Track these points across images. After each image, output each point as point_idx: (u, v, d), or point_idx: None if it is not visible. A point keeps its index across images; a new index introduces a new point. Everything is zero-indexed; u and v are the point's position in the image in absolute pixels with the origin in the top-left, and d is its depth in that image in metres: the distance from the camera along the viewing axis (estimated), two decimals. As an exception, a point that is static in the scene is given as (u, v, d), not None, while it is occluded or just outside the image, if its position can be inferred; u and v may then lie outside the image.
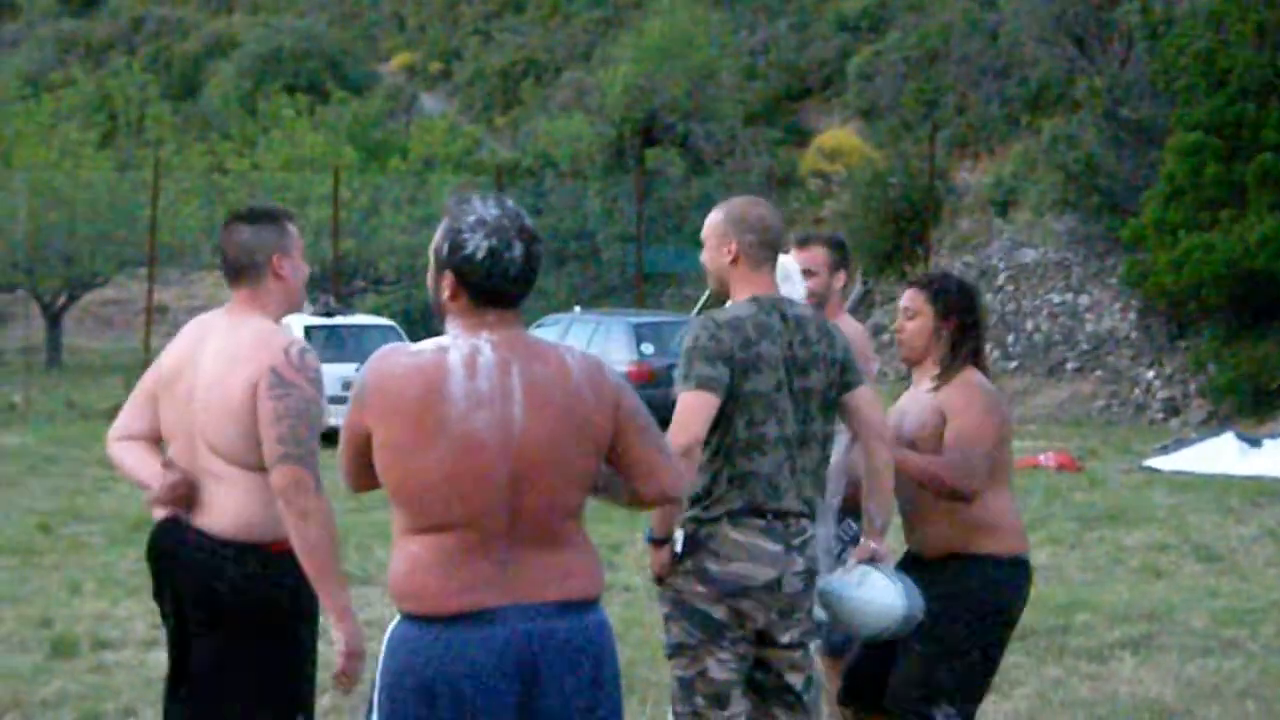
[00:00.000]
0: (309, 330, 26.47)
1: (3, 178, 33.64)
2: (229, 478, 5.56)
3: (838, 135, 41.09)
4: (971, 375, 6.73)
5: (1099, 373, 29.99)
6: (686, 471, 5.50)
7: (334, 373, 25.33)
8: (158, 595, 5.74)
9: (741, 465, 5.75)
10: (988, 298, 32.63)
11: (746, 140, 42.30)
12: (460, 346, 4.47)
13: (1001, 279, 32.74)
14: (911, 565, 6.66)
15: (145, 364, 22.98)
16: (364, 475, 4.54)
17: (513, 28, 63.37)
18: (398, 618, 4.49)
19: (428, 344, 4.54)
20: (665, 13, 47.05)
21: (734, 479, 5.75)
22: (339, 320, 27.61)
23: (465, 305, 4.52)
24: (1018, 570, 6.78)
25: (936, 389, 6.68)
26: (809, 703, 6.11)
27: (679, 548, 5.85)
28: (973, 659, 6.64)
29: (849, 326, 7.60)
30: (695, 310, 33.21)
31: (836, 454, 6.62)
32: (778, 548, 5.82)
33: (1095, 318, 30.75)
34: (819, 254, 7.64)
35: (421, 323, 28.54)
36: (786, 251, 6.82)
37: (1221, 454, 21.91)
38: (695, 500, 5.76)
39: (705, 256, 6.19)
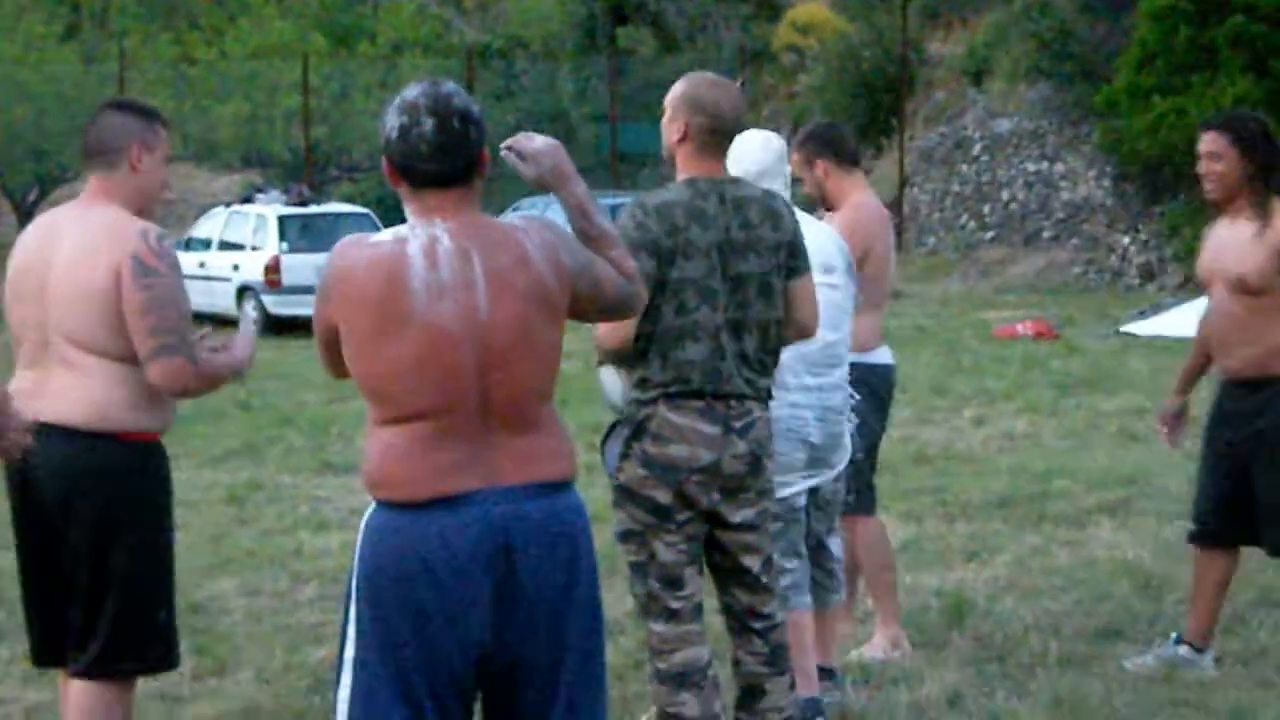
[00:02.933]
0: (283, 220, 26.36)
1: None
2: (84, 367, 5.49)
3: (810, 9, 40.79)
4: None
5: (1075, 241, 29.98)
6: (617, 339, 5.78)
7: (310, 262, 25.35)
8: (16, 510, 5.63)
9: (675, 353, 5.69)
10: (963, 169, 32.59)
11: (719, 16, 42.01)
12: (419, 236, 4.45)
13: (976, 149, 32.67)
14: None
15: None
16: (339, 365, 4.55)
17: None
18: (373, 506, 4.47)
19: (387, 234, 4.54)
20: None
21: (668, 365, 5.69)
22: (313, 210, 27.52)
23: (407, 190, 4.52)
24: None
25: (1264, 228, 6.89)
26: (769, 584, 6.09)
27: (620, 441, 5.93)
28: None
29: (869, 203, 7.83)
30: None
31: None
32: (715, 430, 5.78)
33: (1070, 185, 30.68)
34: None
35: (397, 210, 28.33)
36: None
37: (1197, 318, 21.97)
38: (637, 385, 5.80)
39: (663, 130, 6.10)
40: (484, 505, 4.40)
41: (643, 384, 5.84)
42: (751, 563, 6.01)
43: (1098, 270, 29.13)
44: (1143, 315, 23.07)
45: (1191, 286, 26.08)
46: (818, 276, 6.35)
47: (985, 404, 15.88)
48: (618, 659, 6.05)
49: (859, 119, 34.45)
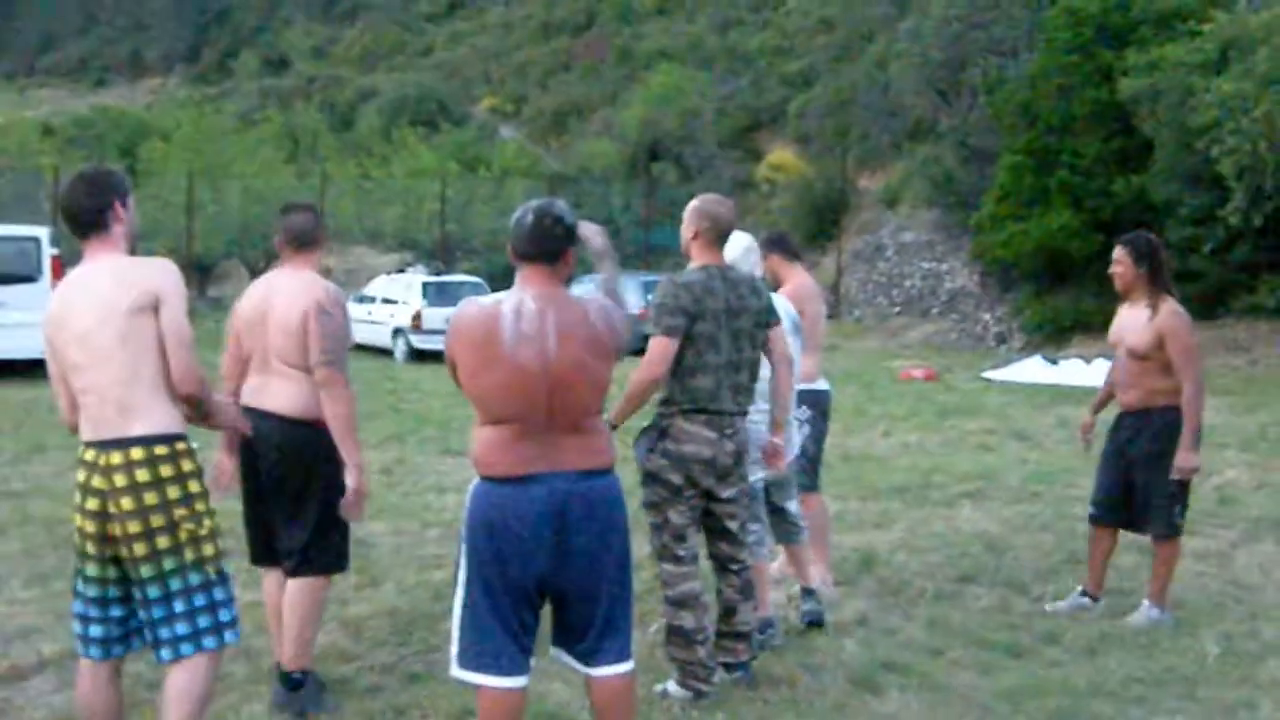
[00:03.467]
0: (425, 285, 26.44)
1: (224, 184, 33.51)
2: (291, 377, 5.66)
3: (780, 154, 40.91)
4: (1173, 305, 7.10)
5: (953, 315, 29.99)
6: (647, 387, 5.92)
7: (442, 314, 25.45)
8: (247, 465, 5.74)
9: (690, 381, 5.87)
10: (879, 265, 32.56)
11: (720, 156, 42.24)
12: (512, 299, 4.63)
13: (889, 252, 32.71)
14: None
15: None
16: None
17: (563, 80, 63.08)
18: (476, 479, 4.66)
19: (492, 297, 4.73)
20: (665, 72, 47.20)
21: (686, 390, 5.87)
22: (445, 278, 27.68)
23: (515, 264, 4.78)
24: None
25: (1153, 315, 7.08)
26: (743, 539, 6.21)
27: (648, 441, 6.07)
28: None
29: (806, 282, 7.86)
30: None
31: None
32: (714, 435, 5.95)
33: (951, 278, 30.76)
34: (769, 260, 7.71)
35: (501, 278, 28.54)
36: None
37: (1032, 370, 21.97)
38: (663, 403, 5.92)
39: (681, 232, 6.22)
40: (549, 483, 4.61)
41: (666, 402, 5.99)
42: (733, 525, 6.15)
43: (967, 336, 29.13)
44: (996, 367, 23.03)
45: (1029, 347, 26.14)
46: None
47: (890, 423, 15.84)
48: (639, 587, 6.01)
49: (811, 229, 34.55)
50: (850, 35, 50.69)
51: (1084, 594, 7.65)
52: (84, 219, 4.74)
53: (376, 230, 37.45)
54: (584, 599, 4.71)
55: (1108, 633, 7.14)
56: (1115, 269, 7.34)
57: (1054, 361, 22.50)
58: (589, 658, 4.78)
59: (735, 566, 6.20)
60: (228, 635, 4.76)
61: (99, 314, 4.57)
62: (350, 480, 5.58)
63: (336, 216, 35.30)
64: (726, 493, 6.08)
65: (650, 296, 27.14)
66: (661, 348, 5.79)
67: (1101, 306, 26.39)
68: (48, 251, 19.64)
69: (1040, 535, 9.65)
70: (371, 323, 26.57)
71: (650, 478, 6.02)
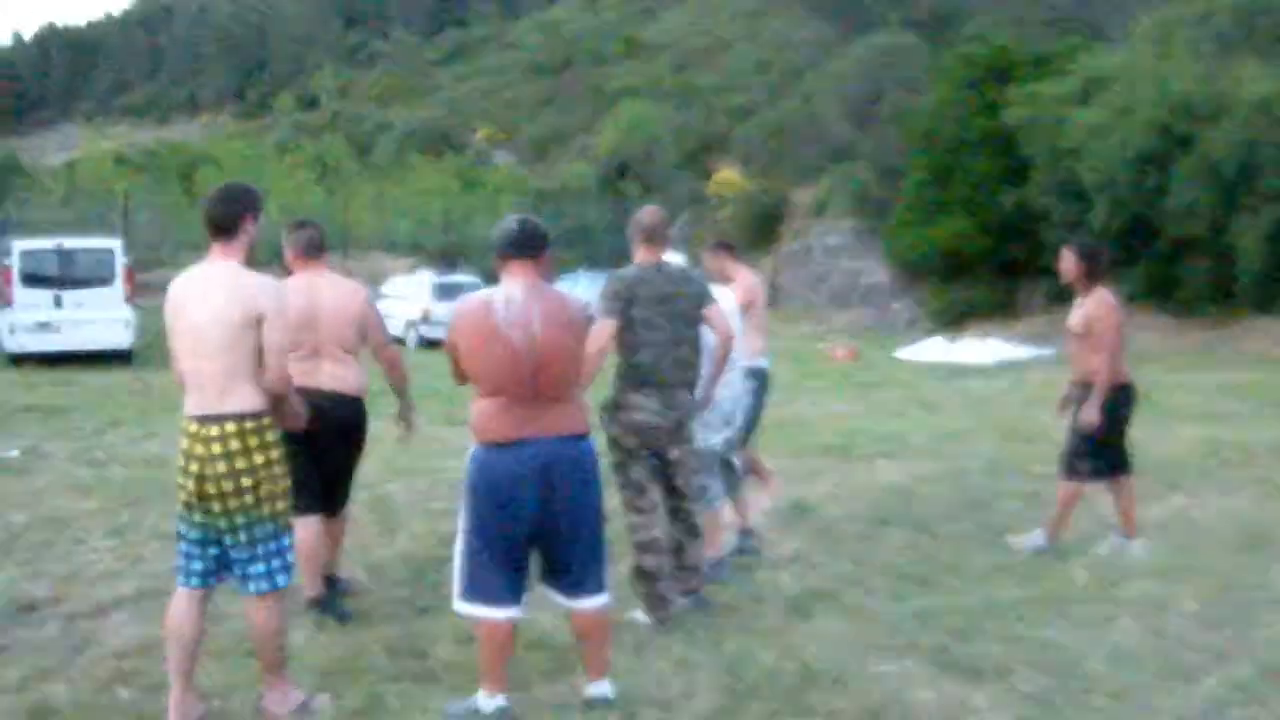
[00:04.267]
0: (434, 284, 26.37)
1: (266, 203, 33.32)
2: (345, 360, 6.10)
3: (726, 173, 40.84)
4: (1101, 292, 7.09)
5: (869, 305, 30.09)
6: (595, 359, 5.69)
7: (447, 308, 25.30)
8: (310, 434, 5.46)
9: (636, 358, 5.83)
10: (809, 264, 32.53)
11: (676, 174, 42.22)
12: (501, 291, 4.70)
13: (817, 253, 32.69)
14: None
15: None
16: (458, 368, 4.77)
17: (546, 113, 62.98)
18: (474, 444, 4.67)
19: (484, 291, 4.80)
20: (631, 106, 47.16)
21: (633, 366, 5.83)
22: (450, 279, 27.56)
23: (503, 266, 4.80)
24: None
25: (1084, 302, 7.10)
26: (689, 492, 6.18)
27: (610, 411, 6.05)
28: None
29: (749, 276, 7.79)
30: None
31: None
32: (657, 405, 5.91)
33: (868, 275, 30.80)
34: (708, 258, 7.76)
35: (495, 279, 28.39)
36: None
37: (934, 349, 22.00)
38: (618, 379, 5.92)
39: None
40: (538, 446, 4.62)
41: (620, 378, 5.97)
42: (679, 480, 6.12)
43: (881, 322, 29.24)
44: (904, 347, 23.05)
45: (933, 331, 26.16)
46: None
47: (818, 394, 15.84)
48: (610, 534, 5.98)
49: (753, 235, 34.44)
50: (784, 74, 50.82)
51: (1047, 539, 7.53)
52: (219, 223, 4.75)
53: (391, 238, 37.23)
54: (567, 542, 4.74)
55: (999, 564, 7.15)
56: (1062, 265, 7.31)
57: (952, 342, 22.54)
58: (572, 591, 4.81)
59: (682, 514, 6.19)
60: (293, 574, 4.94)
61: (211, 318, 4.62)
62: (414, 419, 6.63)
63: (358, 227, 35.11)
64: (672, 454, 6.04)
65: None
66: (600, 327, 5.74)
67: (990, 297, 26.61)
68: (120, 260, 19.68)
69: (940, 485, 9.62)
70: (387, 316, 26.33)
71: (613, 442, 6.00)
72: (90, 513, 8.59)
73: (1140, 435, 7.80)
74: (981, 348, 21.52)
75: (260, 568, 4.74)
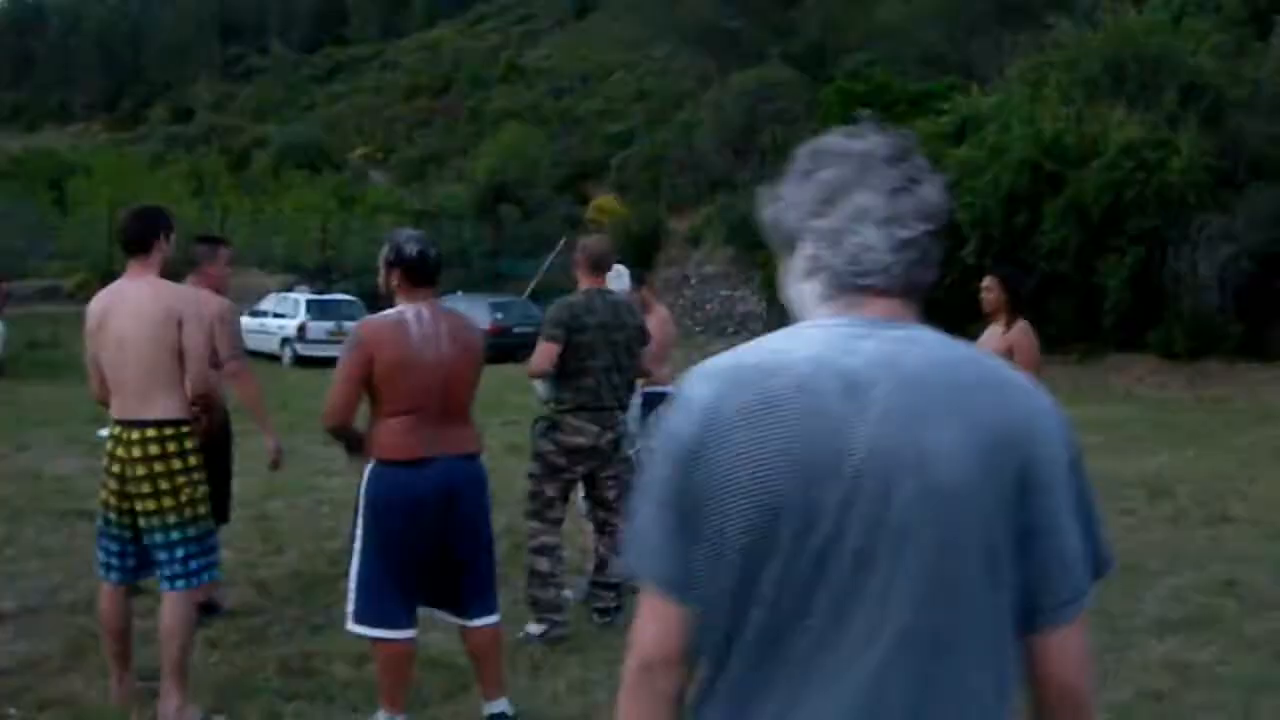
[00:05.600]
0: (309, 301, 26.01)
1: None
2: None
3: (604, 200, 40.95)
4: (1024, 324, 6.90)
5: (744, 334, 30.18)
6: (539, 376, 6.05)
7: (322, 325, 25.13)
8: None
9: (576, 382, 5.97)
10: (685, 292, 32.72)
11: (555, 199, 42.28)
12: (410, 311, 4.60)
13: (694, 281, 32.91)
14: None
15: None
16: (354, 394, 4.57)
17: (424, 134, 62.65)
18: (373, 463, 4.57)
19: (392, 312, 4.66)
20: (510, 130, 47.05)
21: (573, 390, 5.96)
22: (325, 296, 27.27)
23: (405, 289, 4.68)
24: None
25: (1006, 331, 6.79)
26: (619, 508, 6.26)
27: (541, 428, 6.10)
28: None
29: (661, 309, 8.02)
30: (525, 294, 33.19)
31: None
32: (596, 428, 6.08)
33: (743, 303, 31.07)
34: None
35: (371, 299, 28.13)
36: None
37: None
38: (556, 401, 6.00)
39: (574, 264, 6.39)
40: (440, 465, 4.57)
41: (558, 400, 6.11)
42: (610, 495, 6.34)
43: (757, 350, 29.46)
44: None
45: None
46: None
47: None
48: (499, 555, 5.97)
49: (629, 262, 34.38)
50: (662, 103, 51.18)
51: None
52: (134, 242, 4.94)
53: (267, 255, 36.57)
54: (465, 561, 4.71)
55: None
56: (985, 294, 7.30)
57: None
58: (466, 611, 4.77)
59: (609, 529, 6.37)
60: (210, 574, 5.09)
61: (134, 325, 4.81)
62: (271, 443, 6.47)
63: (233, 243, 34.49)
64: (606, 472, 6.28)
65: (498, 315, 27.12)
66: (544, 349, 5.97)
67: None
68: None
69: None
70: (263, 333, 26.03)
71: (538, 456, 6.18)
72: (-41, 528, 8.34)
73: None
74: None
75: (179, 568, 4.87)
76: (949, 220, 1.78)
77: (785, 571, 1.55)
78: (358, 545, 4.61)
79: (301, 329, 24.83)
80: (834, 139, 1.78)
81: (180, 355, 4.83)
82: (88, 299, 4.84)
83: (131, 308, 4.84)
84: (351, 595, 4.61)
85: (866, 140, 1.75)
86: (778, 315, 30.06)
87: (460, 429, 4.68)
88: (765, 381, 1.59)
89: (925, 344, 1.65)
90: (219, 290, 6.35)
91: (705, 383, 1.64)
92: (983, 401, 1.59)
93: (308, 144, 58.33)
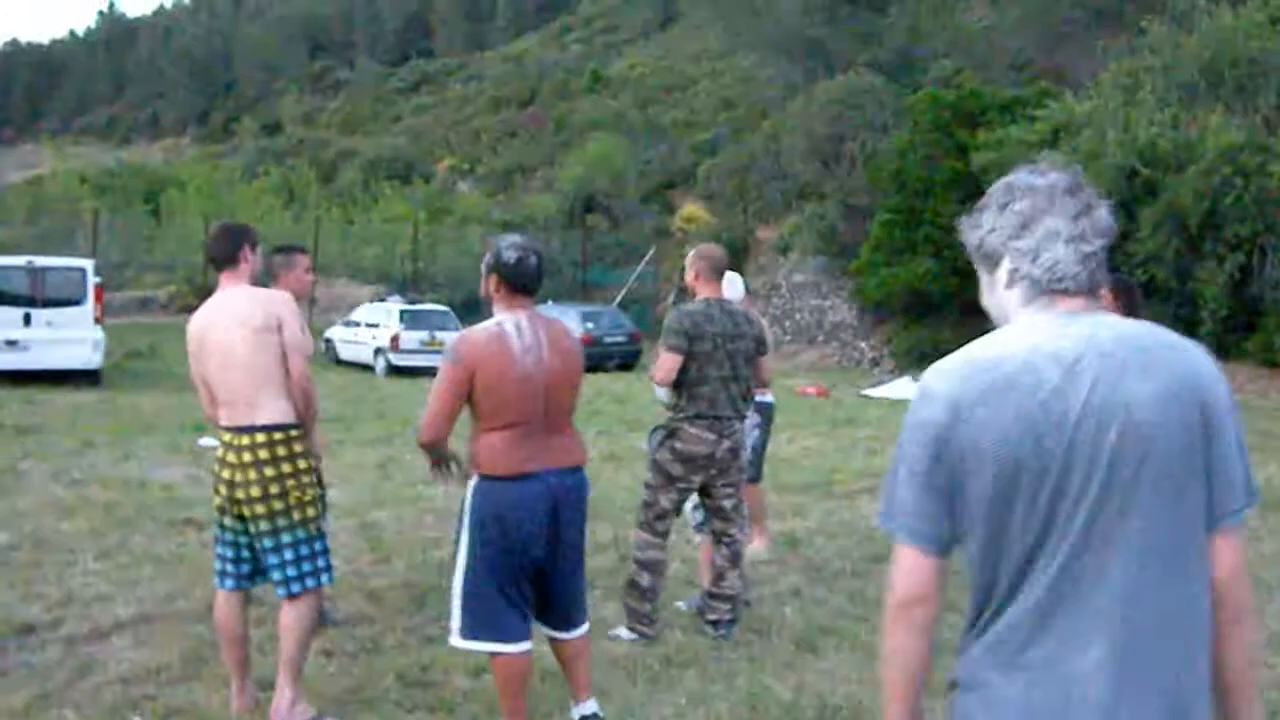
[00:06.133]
0: (402, 311, 26.13)
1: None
2: None
3: (691, 209, 40.86)
4: None
5: (835, 343, 30.01)
6: (663, 385, 6.04)
7: (415, 336, 25.27)
8: None
9: (696, 391, 5.94)
10: (775, 301, 32.56)
11: (642, 210, 42.24)
12: (509, 321, 4.54)
13: (784, 290, 32.64)
14: None
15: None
16: (453, 407, 4.50)
17: (509, 145, 62.97)
18: (476, 478, 4.52)
19: (490, 323, 4.60)
20: (599, 140, 47.07)
21: (692, 398, 5.92)
22: (417, 306, 27.31)
23: (504, 295, 4.62)
24: None
25: None
26: (736, 519, 6.31)
27: (659, 437, 6.07)
28: None
29: (758, 318, 7.80)
30: (615, 303, 33.23)
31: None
32: (713, 437, 6.06)
33: (834, 313, 30.72)
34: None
35: (462, 308, 28.29)
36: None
37: (903, 388, 22.04)
38: (673, 409, 5.96)
39: (687, 275, 6.34)
40: (544, 480, 4.53)
41: (676, 408, 6.10)
42: (728, 504, 6.31)
43: (847, 360, 29.17)
44: (873, 386, 23.10)
45: (897, 370, 26.24)
46: None
47: (793, 430, 15.74)
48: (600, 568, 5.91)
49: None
50: (748, 112, 51.04)
51: None
52: (222, 257, 5.11)
53: (357, 265, 36.95)
54: (564, 574, 4.67)
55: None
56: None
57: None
58: (561, 623, 4.76)
59: (727, 540, 6.34)
60: (324, 578, 5.06)
61: (235, 333, 4.91)
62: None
63: (324, 254, 34.79)
64: (724, 481, 6.24)
65: (589, 325, 27.21)
66: (666, 360, 5.98)
67: (957, 336, 26.64)
68: (91, 280, 19.45)
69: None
70: (357, 343, 26.24)
71: (655, 465, 6.17)
72: (76, 534, 8.46)
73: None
74: (948, 387, 21.65)
75: (291, 571, 4.92)
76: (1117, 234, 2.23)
77: (1027, 513, 2.05)
78: (461, 560, 4.56)
79: (395, 339, 24.96)
80: (1023, 176, 2.29)
81: (283, 358, 4.92)
82: (181, 310, 4.91)
83: (230, 318, 4.94)
84: (456, 610, 4.56)
85: (1048, 176, 2.26)
86: (869, 324, 30.01)
87: (564, 440, 4.63)
88: (998, 368, 2.09)
89: (1111, 325, 2.16)
90: (298, 298, 6.35)
91: (944, 378, 2.14)
92: (1164, 359, 2.08)
93: (395, 156, 58.93)
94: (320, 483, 5.54)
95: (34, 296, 19.12)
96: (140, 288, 34.43)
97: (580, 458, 4.69)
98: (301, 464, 4.93)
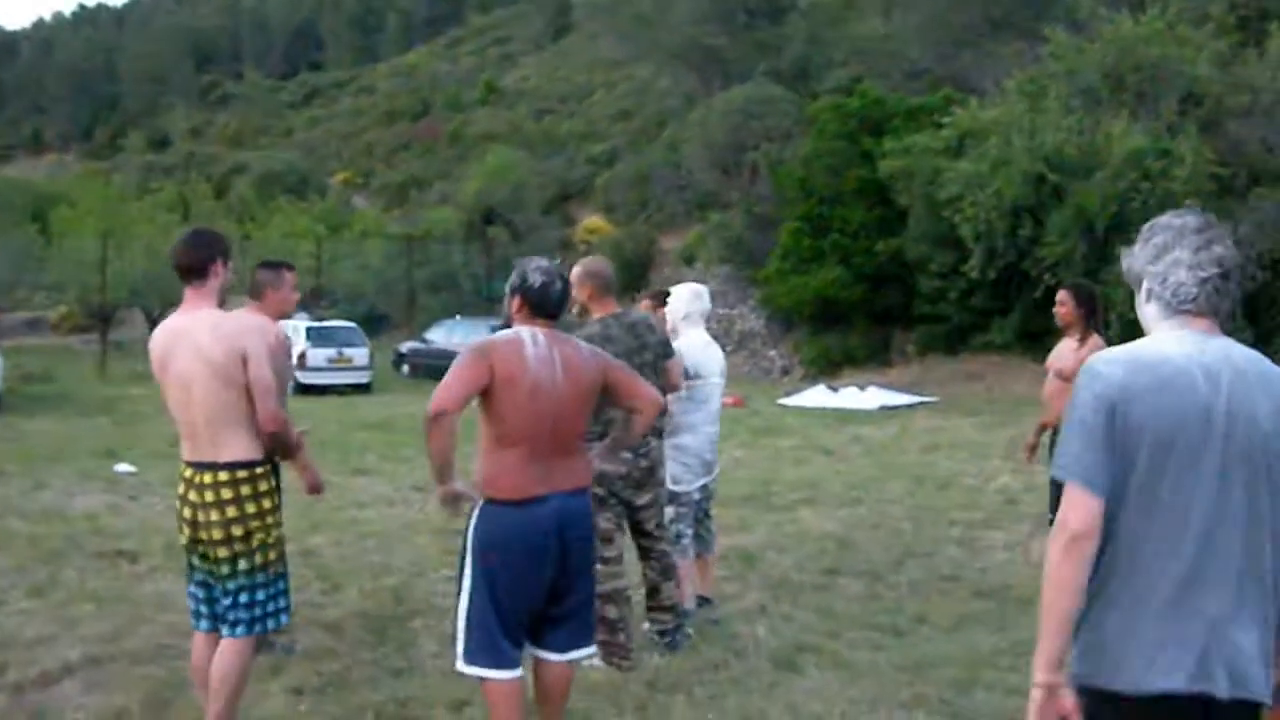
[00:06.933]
0: (309, 329, 25.70)
1: (127, 244, 31.96)
2: None
3: (593, 221, 40.96)
4: (1098, 340, 6.87)
5: (744, 352, 30.05)
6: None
7: (323, 353, 24.88)
8: None
9: (604, 414, 5.49)
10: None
11: (544, 222, 42.13)
12: (528, 333, 4.45)
13: (690, 301, 32.69)
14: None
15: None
16: (467, 393, 4.31)
17: (403, 158, 62.60)
18: (482, 501, 4.37)
19: (510, 332, 4.50)
20: (496, 152, 46.78)
21: (599, 421, 5.50)
22: (324, 324, 26.93)
23: (525, 317, 4.53)
24: None
25: (1080, 346, 6.88)
26: (659, 534, 6.24)
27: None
28: None
29: (658, 317, 7.57)
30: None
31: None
32: (629, 455, 5.86)
33: (742, 321, 30.82)
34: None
35: (364, 323, 27.98)
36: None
37: (817, 396, 22.12)
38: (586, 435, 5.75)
39: (578, 294, 5.94)
40: (551, 503, 4.37)
41: (588, 433, 5.70)
42: (649, 524, 6.22)
43: (757, 369, 29.28)
44: (788, 394, 23.08)
45: (808, 378, 26.32)
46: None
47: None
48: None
49: (623, 282, 34.04)
50: (646, 122, 51.17)
51: None
52: (190, 268, 4.72)
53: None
54: (573, 596, 4.52)
55: (962, 612, 7.09)
56: (1059, 309, 7.19)
57: (835, 389, 22.69)
58: (565, 646, 4.58)
59: (655, 554, 6.23)
60: (279, 619, 4.85)
61: (196, 367, 4.61)
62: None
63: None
64: (642, 499, 6.10)
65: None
66: None
67: (866, 343, 26.90)
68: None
69: (874, 533, 9.56)
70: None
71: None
72: (2, 570, 8.07)
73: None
74: (862, 395, 21.70)
75: (244, 614, 4.68)
76: (1236, 266, 2.82)
77: (1175, 483, 2.65)
78: (466, 585, 4.42)
79: (302, 357, 24.48)
80: (1164, 218, 2.90)
81: (248, 392, 4.61)
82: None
83: (192, 347, 4.62)
84: (461, 636, 4.42)
85: (1183, 218, 2.85)
86: (777, 333, 30.11)
87: (571, 462, 4.48)
88: (1158, 368, 2.69)
89: (1235, 348, 2.76)
90: (282, 316, 6.13)
91: (1115, 365, 2.71)
92: (1273, 380, 2.73)
93: (287, 170, 58.15)
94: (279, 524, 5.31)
95: (-74, 321, 18.45)
96: (29, 309, 33.50)
97: (585, 480, 4.56)
98: (266, 503, 4.69)
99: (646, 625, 6.45)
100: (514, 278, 4.58)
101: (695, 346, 6.82)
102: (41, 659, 6.07)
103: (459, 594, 4.45)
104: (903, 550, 8.84)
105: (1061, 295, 7.34)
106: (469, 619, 4.40)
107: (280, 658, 5.94)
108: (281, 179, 55.73)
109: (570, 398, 4.43)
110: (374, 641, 6.43)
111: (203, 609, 4.83)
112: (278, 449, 4.83)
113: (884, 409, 20.37)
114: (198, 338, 4.62)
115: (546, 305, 4.53)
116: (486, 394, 4.35)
